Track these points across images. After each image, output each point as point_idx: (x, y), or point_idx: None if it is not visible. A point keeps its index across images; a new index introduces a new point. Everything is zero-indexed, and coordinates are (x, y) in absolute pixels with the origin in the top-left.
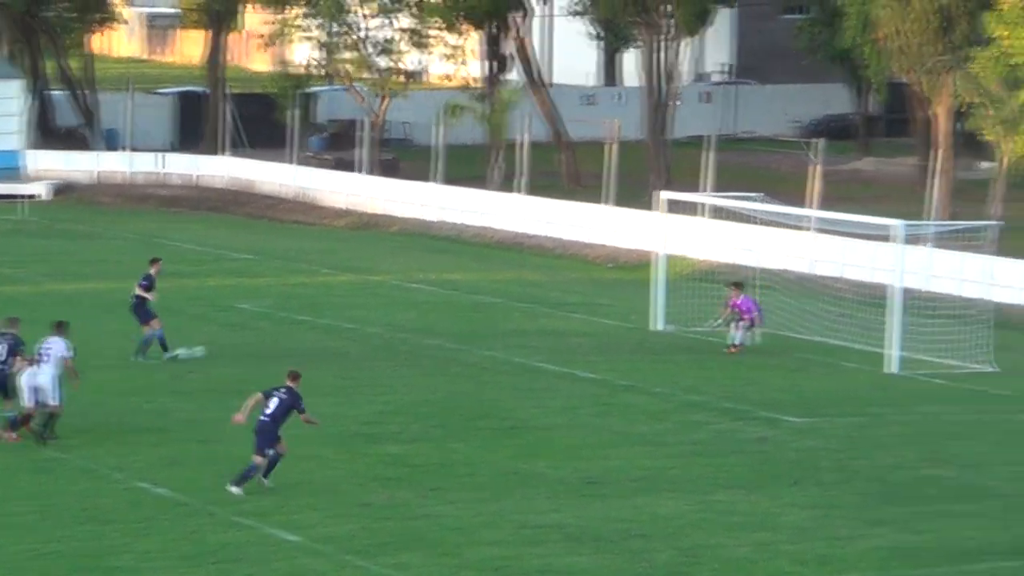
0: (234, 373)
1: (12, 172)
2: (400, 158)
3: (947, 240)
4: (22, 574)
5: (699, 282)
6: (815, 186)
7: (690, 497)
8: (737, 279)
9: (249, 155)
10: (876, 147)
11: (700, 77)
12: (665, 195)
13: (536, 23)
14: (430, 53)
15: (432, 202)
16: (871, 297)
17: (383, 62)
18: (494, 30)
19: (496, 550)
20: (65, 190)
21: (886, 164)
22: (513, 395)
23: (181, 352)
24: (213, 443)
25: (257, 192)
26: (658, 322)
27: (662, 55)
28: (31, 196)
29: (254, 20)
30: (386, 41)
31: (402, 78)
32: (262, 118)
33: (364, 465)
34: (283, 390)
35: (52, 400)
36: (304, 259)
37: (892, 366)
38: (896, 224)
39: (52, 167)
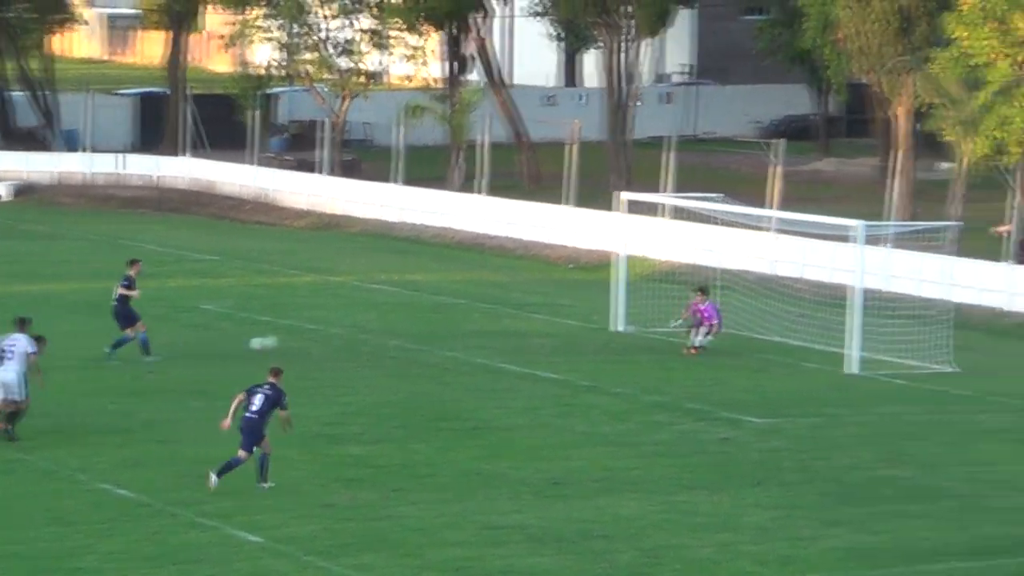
0: (196, 374)
1: None
2: (361, 159)
3: (907, 240)
4: None
5: (660, 283)
6: (775, 186)
7: (652, 498)
8: (702, 284)
9: (210, 156)
10: (836, 148)
11: (660, 78)
12: (626, 196)
13: (496, 24)
14: (391, 54)
15: (393, 203)
16: (831, 297)
17: (344, 63)
18: (454, 31)
19: (458, 551)
20: (25, 191)
21: (846, 164)
22: (475, 396)
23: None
24: (174, 444)
25: (218, 193)
26: (619, 323)
27: (622, 56)
28: None
29: (215, 21)
30: (347, 42)
31: (363, 79)
32: (223, 119)
33: (326, 466)
34: (267, 386)
35: (18, 396)
36: (265, 260)
37: (853, 367)
38: (856, 224)
39: (12, 168)
